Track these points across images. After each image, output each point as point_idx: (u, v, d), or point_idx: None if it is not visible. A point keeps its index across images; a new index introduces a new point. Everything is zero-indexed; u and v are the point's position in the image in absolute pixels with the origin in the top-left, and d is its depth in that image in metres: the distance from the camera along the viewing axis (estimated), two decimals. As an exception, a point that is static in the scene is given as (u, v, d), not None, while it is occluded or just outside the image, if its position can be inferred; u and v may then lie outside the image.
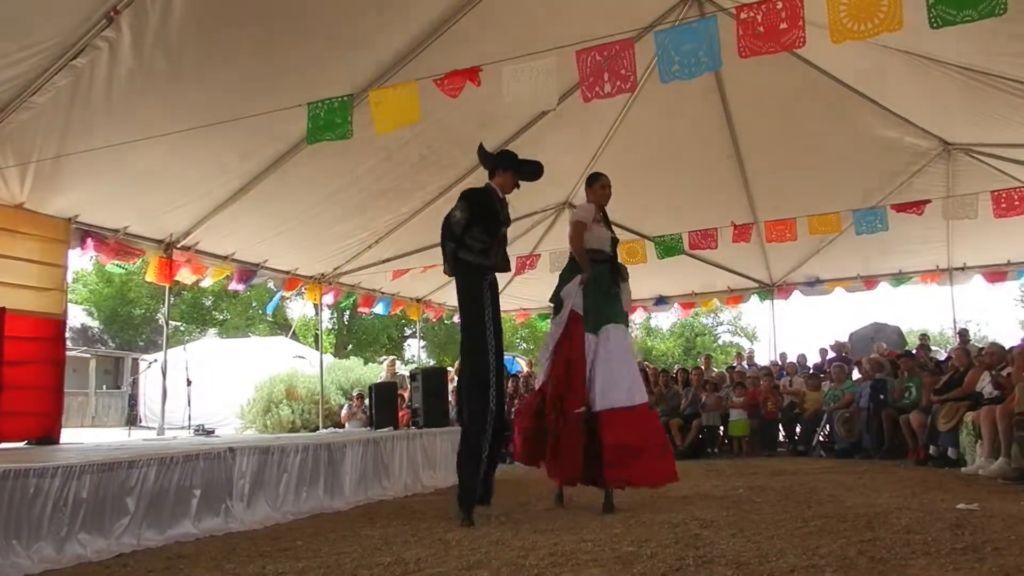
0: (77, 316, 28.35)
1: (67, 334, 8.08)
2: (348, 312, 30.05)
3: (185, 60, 6.02)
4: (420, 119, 5.69)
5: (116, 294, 30.44)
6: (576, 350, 5.13)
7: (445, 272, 5.36)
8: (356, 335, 30.86)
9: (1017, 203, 8.79)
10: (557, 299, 5.38)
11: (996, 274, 11.96)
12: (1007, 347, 7.89)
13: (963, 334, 12.07)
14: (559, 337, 5.24)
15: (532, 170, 5.26)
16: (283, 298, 11.89)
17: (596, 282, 5.26)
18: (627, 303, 5.63)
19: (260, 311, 29.78)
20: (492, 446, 4.99)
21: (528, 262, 11.44)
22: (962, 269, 12.01)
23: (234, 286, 9.92)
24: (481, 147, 5.36)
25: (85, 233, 7.74)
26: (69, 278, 7.92)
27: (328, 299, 11.63)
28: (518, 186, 5.30)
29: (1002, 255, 11.60)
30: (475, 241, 5.01)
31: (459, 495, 4.87)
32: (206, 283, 9.69)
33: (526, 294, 13.19)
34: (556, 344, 5.25)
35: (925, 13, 4.33)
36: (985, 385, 7.40)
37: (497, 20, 6.79)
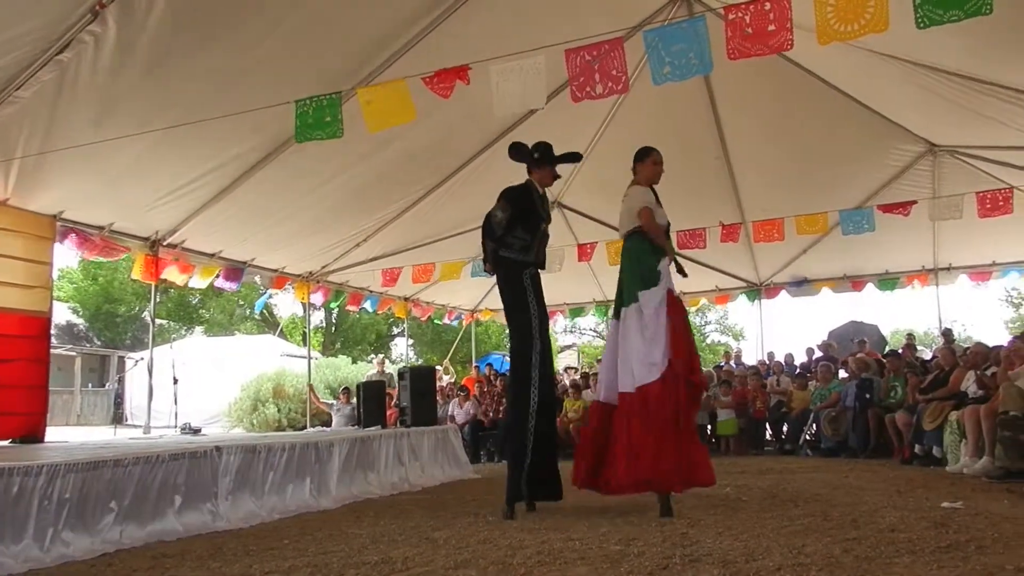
0: (63, 313, 28.15)
1: (52, 331, 8.02)
2: (336, 311, 30.02)
3: (172, 55, 5.98)
4: (414, 118, 5.66)
5: (101, 292, 30.25)
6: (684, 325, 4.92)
7: (486, 270, 5.45)
8: (343, 333, 30.79)
9: (1001, 203, 8.87)
10: (651, 274, 4.94)
11: (981, 274, 12.08)
12: (991, 347, 7.95)
13: (947, 334, 12.17)
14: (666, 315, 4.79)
15: (571, 160, 5.41)
16: (271, 296, 11.89)
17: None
18: None
19: (247, 309, 29.67)
20: (540, 441, 4.94)
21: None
22: (947, 269, 12.12)
23: (220, 284, 9.85)
24: (515, 144, 5.32)
25: (70, 230, 7.68)
26: (55, 275, 7.86)
27: (317, 298, 11.59)
28: (558, 176, 5.38)
29: (987, 255, 11.72)
30: (516, 239, 5.09)
31: (506, 491, 4.94)
32: (195, 283, 9.60)
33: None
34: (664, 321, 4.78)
35: (911, 15, 4.36)
36: (970, 385, 7.45)
37: (485, 20, 6.78)
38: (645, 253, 4.98)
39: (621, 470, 4.65)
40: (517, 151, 5.30)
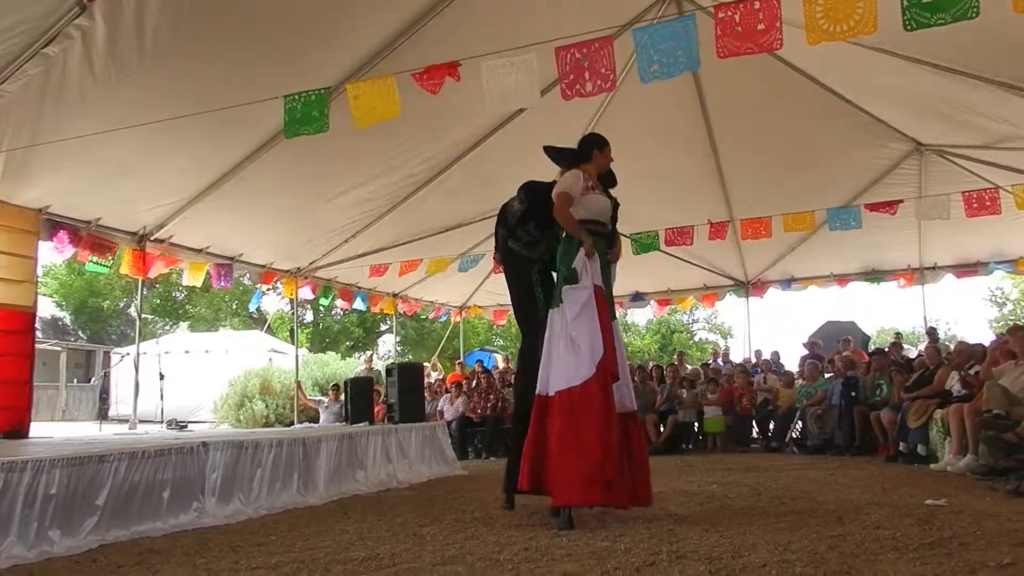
0: (48, 308, 27.94)
1: (37, 326, 7.95)
2: (322, 309, 29.92)
3: (160, 50, 5.93)
4: (400, 115, 5.64)
5: (86, 286, 30.02)
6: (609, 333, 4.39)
7: (495, 258, 5.42)
8: (322, 332, 30.68)
9: (988, 203, 8.93)
10: (569, 272, 4.51)
11: (966, 272, 12.16)
12: (974, 346, 8.01)
13: (931, 333, 12.24)
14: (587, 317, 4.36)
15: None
16: (263, 292, 11.84)
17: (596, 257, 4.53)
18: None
19: (232, 304, 29.51)
20: None
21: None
22: (933, 268, 12.21)
23: (216, 284, 9.79)
24: (550, 148, 4.99)
25: (57, 225, 7.60)
26: (39, 270, 7.79)
27: (305, 293, 11.52)
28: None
29: (972, 255, 11.81)
30: (525, 234, 5.04)
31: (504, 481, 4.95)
32: (187, 280, 9.56)
33: (503, 290, 13.15)
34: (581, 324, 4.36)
35: (900, 15, 4.39)
36: (954, 383, 7.51)
37: (475, 16, 6.76)
38: (572, 251, 4.56)
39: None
40: (555, 154, 5.03)
